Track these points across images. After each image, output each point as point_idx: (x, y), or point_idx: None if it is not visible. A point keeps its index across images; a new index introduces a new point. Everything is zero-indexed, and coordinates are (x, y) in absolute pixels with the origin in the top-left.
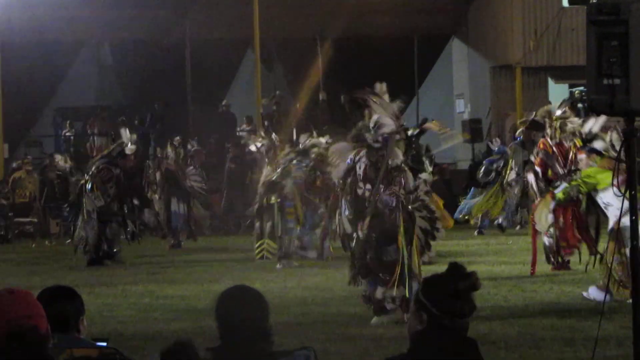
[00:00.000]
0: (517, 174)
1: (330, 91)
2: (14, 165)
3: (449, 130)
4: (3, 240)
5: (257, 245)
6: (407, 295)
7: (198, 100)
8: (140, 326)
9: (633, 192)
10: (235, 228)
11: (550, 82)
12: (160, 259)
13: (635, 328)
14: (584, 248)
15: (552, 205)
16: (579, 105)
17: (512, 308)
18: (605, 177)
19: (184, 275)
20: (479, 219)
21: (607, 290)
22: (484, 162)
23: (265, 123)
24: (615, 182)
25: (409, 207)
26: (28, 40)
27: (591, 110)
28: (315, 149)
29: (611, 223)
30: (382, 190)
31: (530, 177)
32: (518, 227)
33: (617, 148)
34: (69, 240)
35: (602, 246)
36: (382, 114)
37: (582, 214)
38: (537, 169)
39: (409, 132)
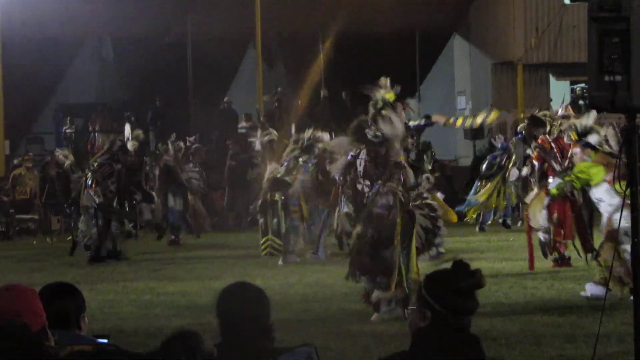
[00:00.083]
0: (518, 169)
1: (331, 88)
2: (15, 162)
3: (451, 121)
4: (4, 237)
5: (262, 241)
6: (407, 291)
7: (199, 98)
8: (141, 323)
9: (634, 190)
10: (237, 225)
11: (552, 79)
12: (161, 256)
13: (636, 325)
14: (579, 244)
15: (546, 201)
16: (580, 102)
17: (513, 305)
18: (598, 172)
19: (185, 272)
20: (481, 215)
21: (607, 287)
22: (488, 157)
23: (261, 118)
24: (611, 178)
25: (410, 204)
26: (29, 37)
27: (592, 107)
28: (319, 144)
29: (604, 219)
30: (377, 194)
31: (525, 171)
32: (520, 223)
33: (612, 143)
34: (70, 237)
35: (597, 242)
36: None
37: (579, 209)
38: (535, 162)
39: (415, 123)
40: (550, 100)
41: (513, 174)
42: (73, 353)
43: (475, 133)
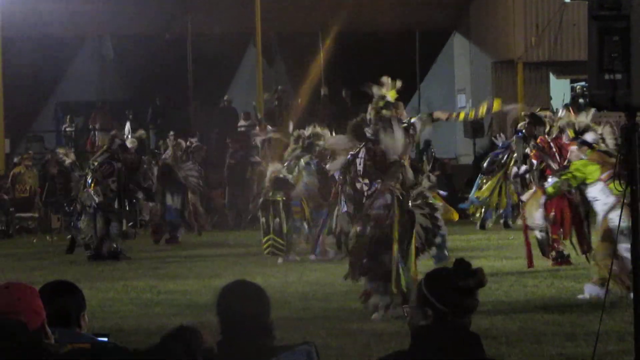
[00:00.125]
0: (517, 168)
1: (331, 86)
2: (15, 160)
3: (454, 115)
4: (4, 235)
5: (264, 240)
6: (404, 291)
7: (199, 96)
8: (141, 321)
9: (635, 188)
10: (237, 223)
11: (552, 77)
12: (161, 254)
13: (636, 323)
14: (576, 242)
15: (542, 199)
16: (580, 100)
17: (513, 303)
18: (594, 171)
19: (186, 270)
20: (482, 212)
21: (607, 286)
22: (490, 154)
23: (259, 115)
24: (607, 177)
25: (409, 203)
26: (30, 36)
27: (592, 106)
28: (319, 142)
29: (599, 218)
30: (375, 193)
31: (524, 169)
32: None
33: (608, 142)
34: (69, 236)
35: (594, 242)
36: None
37: (576, 207)
38: (533, 161)
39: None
40: (550, 98)
41: (513, 172)
42: (73, 351)
43: (475, 131)
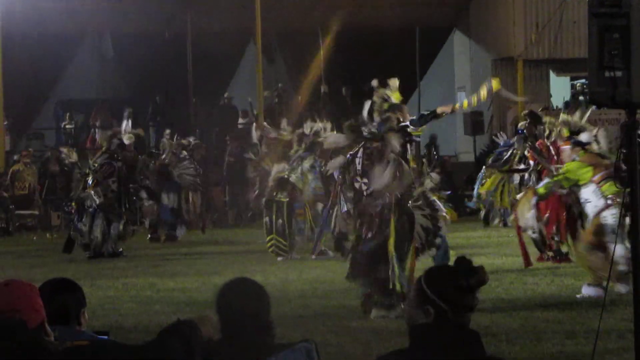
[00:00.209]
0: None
1: (331, 84)
2: (15, 157)
3: (457, 106)
4: (4, 232)
5: (267, 239)
6: (403, 291)
7: (199, 94)
8: (141, 319)
9: (634, 188)
10: (237, 221)
11: (552, 75)
12: (161, 252)
13: (636, 321)
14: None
15: (533, 200)
16: (581, 97)
17: (513, 301)
18: (586, 172)
19: (185, 268)
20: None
21: (607, 284)
22: (494, 152)
23: (255, 112)
24: (599, 179)
25: (409, 202)
26: (29, 33)
27: (593, 103)
28: (320, 139)
29: (590, 219)
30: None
31: (522, 168)
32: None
33: (602, 144)
34: (68, 235)
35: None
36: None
37: (569, 208)
38: (530, 161)
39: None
40: (550, 96)
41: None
42: (72, 348)
43: (475, 128)
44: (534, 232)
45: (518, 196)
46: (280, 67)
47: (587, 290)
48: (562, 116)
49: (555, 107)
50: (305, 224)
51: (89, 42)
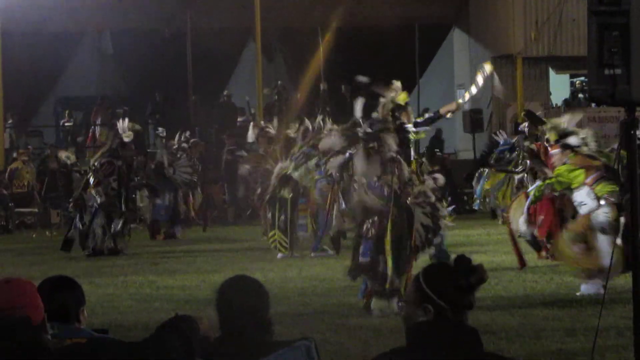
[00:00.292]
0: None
1: (331, 82)
2: (15, 155)
3: (460, 102)
4: (4, 230)
5: (270, 234)
6: (402, 291)
7: (199, 91)
8: (140, 316)
9: (634, 187)
10: (236, 219)
11: (551, 73)
12: (160, 250)
13: (635, 318)
14: None
15: (526, 203)
16: (580, 95)
17: (512, 298)
18: (578, 175)
19: (185, 266)
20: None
21: (606, 282)
22: (495, 151)
23: (252, 110)
24: (591, 181)
25: (408, 199)
26: (29, 30)
27: (592, 101)
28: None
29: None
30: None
31: (521, 168)
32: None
33: (591, 146)
34: (67, 234)
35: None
36: None
37: (561, 211)
38: (527, 162)
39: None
40: (550, 93)
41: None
42: (71, 346)
43: (474, 126)
44: (525, 237)
45: (512, 199)
46: (280, 65)
47: (585, 288)
48: (550, 121)
49: (554, 105)
50: (306, 219)
51: (89, 40)
